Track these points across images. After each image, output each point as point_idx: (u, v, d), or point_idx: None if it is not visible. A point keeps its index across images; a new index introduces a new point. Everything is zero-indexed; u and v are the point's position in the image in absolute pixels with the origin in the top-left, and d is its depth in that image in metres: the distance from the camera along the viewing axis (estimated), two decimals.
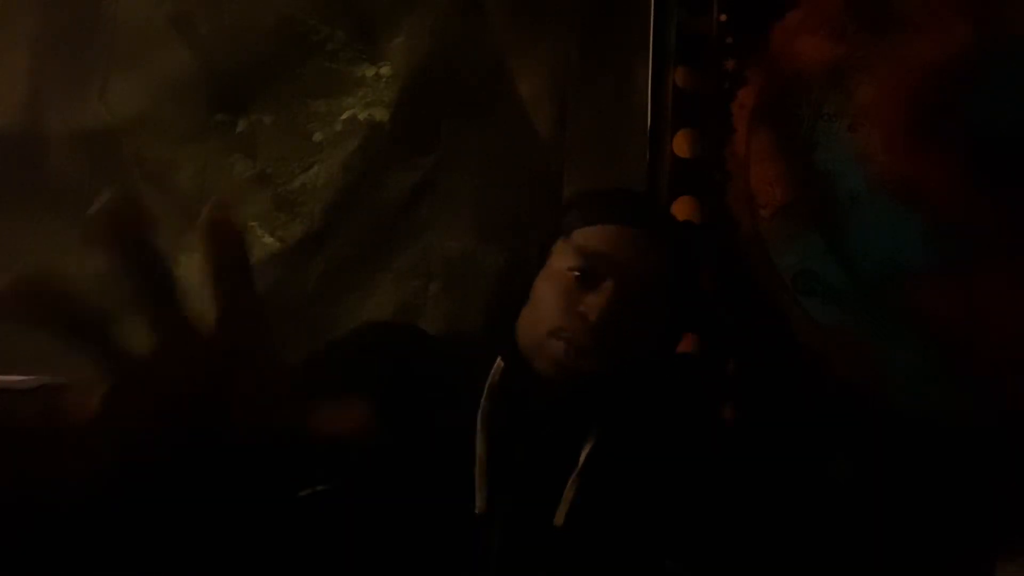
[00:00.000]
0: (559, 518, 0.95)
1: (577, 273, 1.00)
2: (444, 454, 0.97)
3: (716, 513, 0.97)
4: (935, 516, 1.40)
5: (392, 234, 1.61)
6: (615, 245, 1.01)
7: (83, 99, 1.64)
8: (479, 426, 0.98)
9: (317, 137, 1.63)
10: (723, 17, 1.52)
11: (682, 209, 1.51)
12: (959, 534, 1.39)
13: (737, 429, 1.46)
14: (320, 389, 0.97)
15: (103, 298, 1.56)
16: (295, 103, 1.63)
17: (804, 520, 1.04)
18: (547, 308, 1.00)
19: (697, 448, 1.04)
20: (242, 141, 1.63)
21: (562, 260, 1.03)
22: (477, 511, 0.95)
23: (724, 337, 1.49)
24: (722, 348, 1.49)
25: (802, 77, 1.50)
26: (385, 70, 1.62)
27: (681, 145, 1.52)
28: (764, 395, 1.48)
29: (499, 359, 1.03)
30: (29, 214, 1.62)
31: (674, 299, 1.05)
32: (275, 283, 1.62)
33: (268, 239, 1.62)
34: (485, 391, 1.00)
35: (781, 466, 1.14)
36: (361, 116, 1.62)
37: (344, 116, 1.62)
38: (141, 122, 1.64)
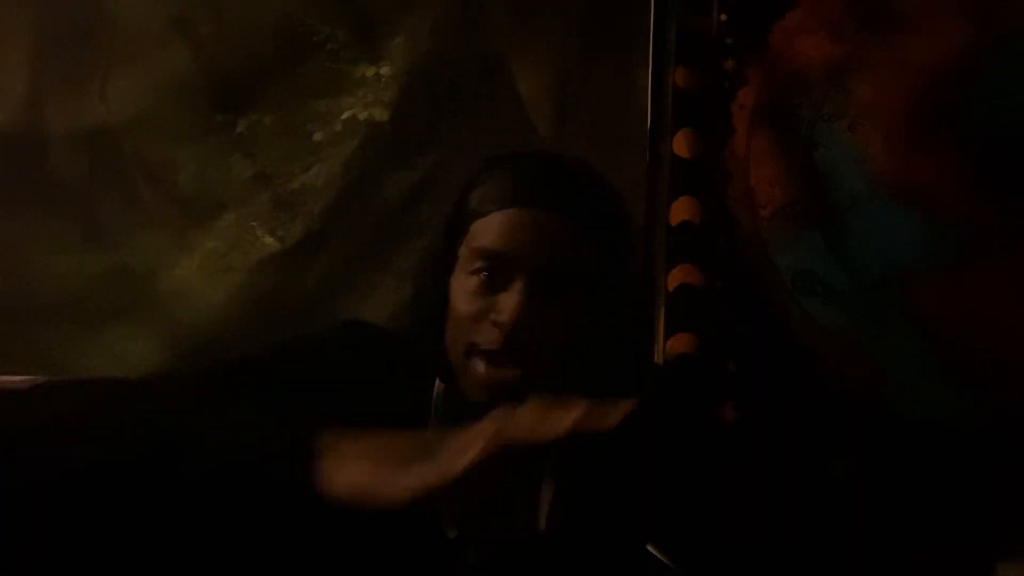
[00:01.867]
0: (541, 522, 0.90)
1: (483, 275, 0.90)
2: None
3: (716, 513, 0.97)
4: (935, 516, 1.40)
5: (392, 234, 1.61)
6: (521, 235, 0.89)
7: (83, 99, 1.64)
8: None
9: (317, 137, 1.63)
10: (723, 17, 1.52)
11: (682, 209, 1.52)
12: (959, 534, 1.39)
13: (737, 429, 1.46)
14: (285, 387, 0.95)
15: (103, 298, 1.55)
16: (295, 103, 1.63)
17: (804, 520, 1.03)
18: (461, 320, 0.90)
19: (695, 445, 1.00)
20: (242, 141, 1.63)
21: (465, 261, 0.92)
22: (451, 537, 0.89)
23: (724, 337, 1.49)
24: (722, 348, 1.49)
25: (802, 77, 1.50)
26: (385, 70, 1.62)
27: (681, 145, 1.52)
28: (764, 395, 1.48)
29: (437, 381, 0.94)
30: (29, 214, 1.62)
31: (604, 281, 0.93)
32: (275, 283, 1.62)
33: (268, 239, 1.62)
34: (431, 418, 0.93)
35: (781, 466, 1.14)
36: (361, 116, 1.62)
37: (344, 116, 1.62)
38: (141, 122, 1.64)
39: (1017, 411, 1.42)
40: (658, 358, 1.51)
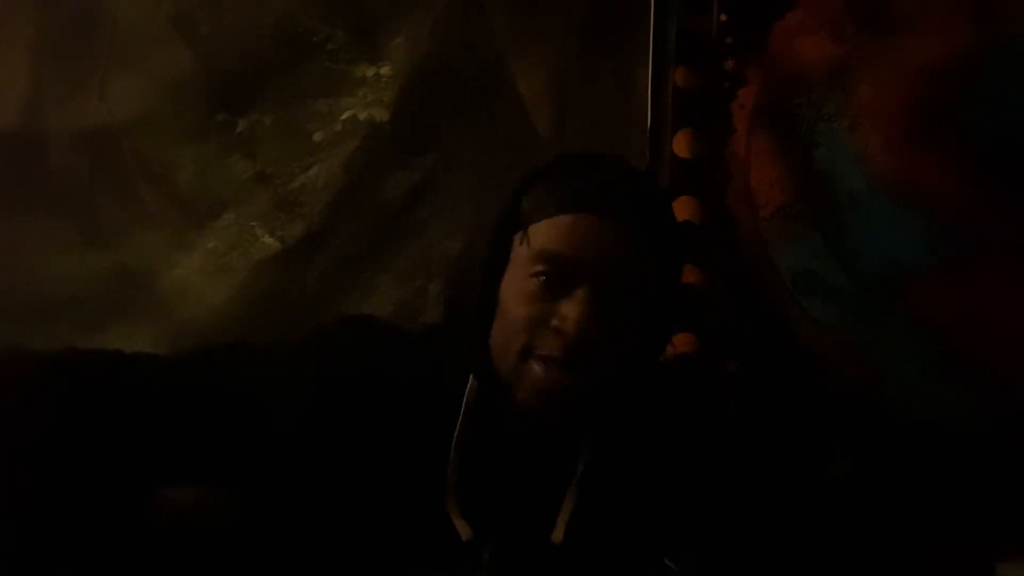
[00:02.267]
0: (558, 534, 0.90)
1: (543, 279, 0.89)
2: (419, 476, 0.91)
3: (717, 514, 0.97)
4: (935, 516, 1.40)
5: (392, 234, 1.60)
6: (582, 242, 0.88)
7: (83, 99, 1.64)
8: (452, 452, 0.91)
9: (317, 137, 1.63)
10: (723, 17, 1.52)
11: (682, 209, 1.51)
12: (959, 534, 1.39)
13: (737, 430, 1.46)
14: (291, 384, 0.97)
15: (103, 298, 1.56)
16: (295, 103, 1.63)
17: (804, 520, 1.03)
18: (515, 323, 0.89)
19: (699, 449, 1.00)
20: (242, 141, 1.63)
21: (524, 262, 0.90)
22: (464, 539, 0.89)
23: (724, 337, 1.49)
24: (722, 348, 1.49)
25: (802, 77, 1.50)
26: (385, 70, 1.62)
27: (681, 145, 1.52)
28: (764, 395, 1.48)
29: (472, 379, 0.93)
30: (29, 214, 1.62)
31: (659, 294, 0.93)
32: (275, 283, 1.62)
33: (268, 239, 1.62)
34: (460, 416, 0.92)
35: (781, 466, 1.13)
36: (361, 116, 1.62)
37: (344, 116, 1.62)
38: (141, 122, 1.64)
39: (1017, 411, 1.42)
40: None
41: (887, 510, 1.39)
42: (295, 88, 1.63)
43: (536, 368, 0.88)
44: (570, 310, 0.87)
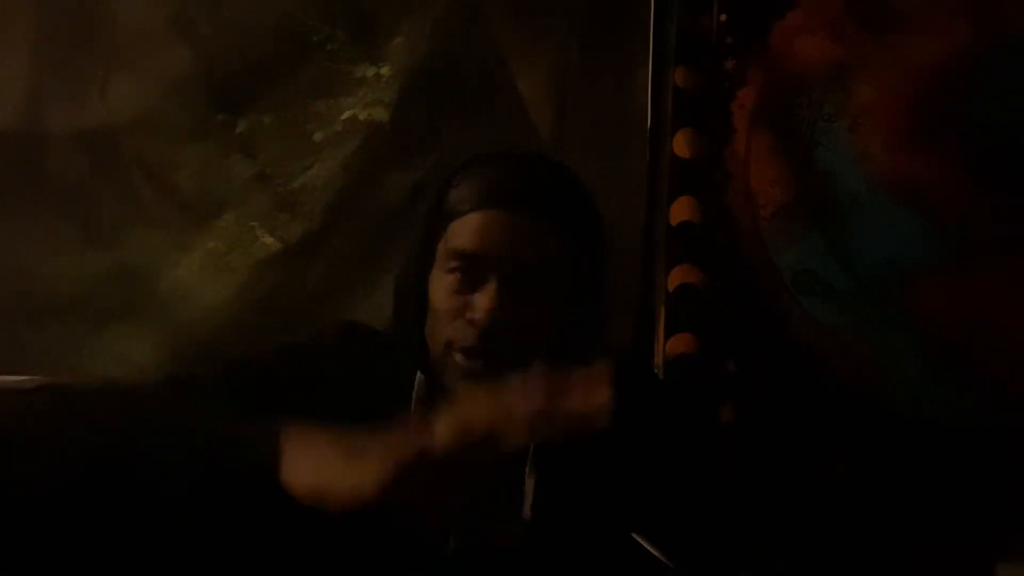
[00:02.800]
0: (526, 510, 0.93)
1: (457, 274, 0.94)
2: None
3: (716, 513, 0.97)
4: (935, 516, 1.40)
5: (392, 234, 1.61)
6: (494, 236, 0.93)
7: (83, 99, 1.64)
8: None
9: (317, 137, 1.63)
10: (723, 17, 1.51)
11: (682, 209, 1.52)
12: (959, 534, 1.39)
13: (737, 429, 1.46)
14: (273, 397, 0.97)
15: (103, 298, 1.55)
16: (295, 103, 1.63)
17: (804, 519, 1.03)
18: (438, 317, 0.95)
19: (678, 439, 1.01)
20: (242, 141, 1.64)
21: (443, 259, 0.96)
22: (432, 530, 0.92)
23: (724, 337, 1.49)
24: (722, 348, 1.49)
25: (802, 77, 1.50)
26: (385, 70, 1.62)
27: (681, 145, 1.52)
28: (764, 395, 1.48)
29: (419, 374, 0.98)
30: (29, 214, 1.62)
31: (577, 278, 0.97)
32: (275, 283, 1.62)
33: (268, 239, 1.62)
34: (411, 410, 0.96)
35: (781, 466, 1.13)
36: (361, 116, 1.62)
37: (344, 116, 1.62)
38: (141, 122, 1.64)
39: (1017, 411, 1.42)
40: (658, 358, 1.51)
41: (887, 510, 1.40)
42: (295, 88, 1.63)
43: (458, 358, 0.93)
44: (480, 300, 0.92)
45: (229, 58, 1.64)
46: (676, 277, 1.51)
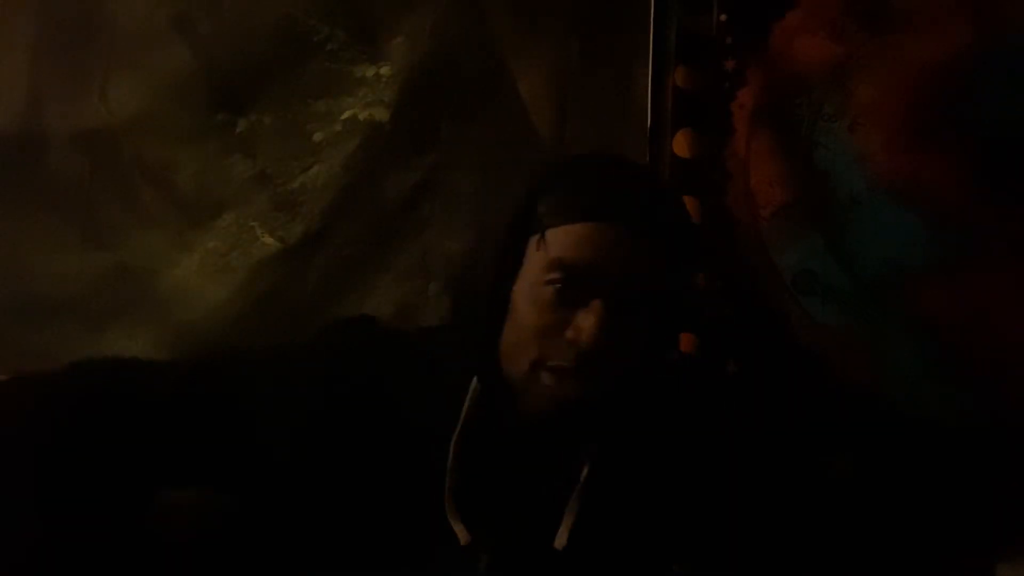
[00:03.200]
0: (561, 540, 0.89)
1: (558, 287, 0.87)
2: (418, 479, 0.90)
3: (720, 514, 0.96)
4: (935, 516, 1.40)
5: (392, 234, 1.61)
6: (599, 252, 0.86)
7: (83, 99, 1.64)
8: (451, 454, 0.90)
9: (317, 137, 1.63)
10: (723, 17, 1.52)
11: None
12: (959, 534, 1.39)
13: (737, 430, 1.46)
14: (291, 388, 0.97)
15: (103, 298, 1.56)
16: (295, 103, 1.63)
17: (804, 520, 1.03)
18: (527, 330, 0.88)
19: (702, 452, 0.99)
20: (242, 141, 1.63)
21: (539, 268, 0.88)
22: (462, 543, 0.88)
23: (724, 337, 1.49)
24: (722, 348, 1.49)
25: (802, 77, 1.50)
26: (385, 70, 1.62)
27: (681, 145, 1.52)
28: (764, 395, 1.48)
29: (475, 380, 0.92)
30: (29, 214, 1.62)
31: (672, 302, 0.93)
32: (275, 283, 1.62)
33: (268, 239, 1.62)
34: (461, 418, 0.91)
35: (781, 466, 1.13)
36: (361, 116, 1.62)
37: (344, 116, 1.62)
38: (141, 122, 1.64)
39: (1017, 411, 1.42)
40: None
41: (887, 510, 1.39)
42: (295, 88, 1.63)
43: (547, 378, 0.88)
44: (586, 321, 0.86)
45: (229, 58, 1.64)
46: None
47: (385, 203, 1.61)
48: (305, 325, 1.54)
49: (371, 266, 1.60)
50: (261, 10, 1.63)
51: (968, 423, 1.43)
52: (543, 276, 0.88)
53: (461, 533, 0.89)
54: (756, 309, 1.49)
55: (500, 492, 0.92)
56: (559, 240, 0.88)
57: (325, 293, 1.61)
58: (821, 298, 1.48)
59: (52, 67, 1.65)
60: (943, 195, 1.45)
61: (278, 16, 1.63)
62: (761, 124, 1.51)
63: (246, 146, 1.63)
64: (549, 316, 0.87)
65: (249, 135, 1.63)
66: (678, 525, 0.94)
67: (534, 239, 0.90)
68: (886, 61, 1.47)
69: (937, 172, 1.45)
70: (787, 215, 1.50)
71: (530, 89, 1.61)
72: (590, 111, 1.59)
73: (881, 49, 1.47)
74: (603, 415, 0.92)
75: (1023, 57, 1.44)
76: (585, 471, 0.91)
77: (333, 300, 1.60)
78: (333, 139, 1.62)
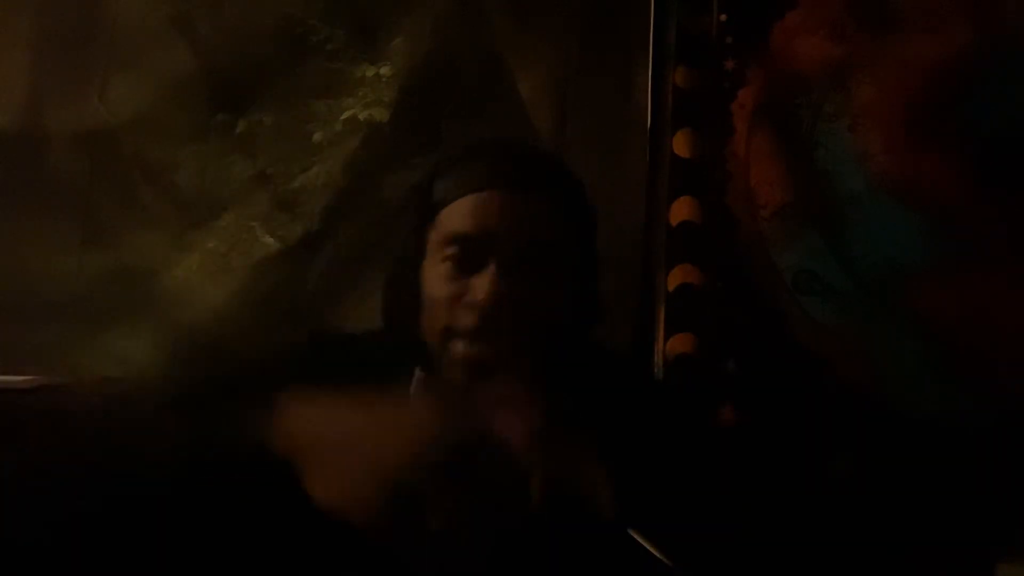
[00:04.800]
0: (535, 501, 0.86)
1: (455, 259, 0.91)
2: None
3: (716, 513, 0.97)
4: (935, 516, 1.40)
5: (392, 234, 1.60)
6: (487, 217, 0.91)
7: (83, 99, 1.65)
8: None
9: (317, 137, 1.63)
10: (723, 17, 1.52)
11: (682, 209, 1.51)
12: (959, 534, 1.39)
13: (737, 430, 1.46)
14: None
15: (103, 298, 1.56)
16: (295, 103, 1.63)
17: (804, 520, 1.03)
18: (435, 305, 0.92)
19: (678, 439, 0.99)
20: (242, 141, 1.64)
21: (437, 247, 0.93)
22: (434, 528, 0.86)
23: (724, 337, 1.49)
24: (722, 348, 1.49)
25: (802, 77, 1.50)
26: (385, 70, 1.63)
27: (681, 145, 1.52)
28: (764, 395, 1.48)
29: (417, 370, 0.94)
30: (29, 214, 1.62)
31: (573, 257, 0.96)
32: (275, 283, 1.62)
33: (268, 239, 1.62)
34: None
35: (781, 466, 1.13)
36: (361, 116, 1.62)
37: (344, 116, 1.62)
38: (141, 122, 1.64)
39: (1017, 411, 1.42)
40: (658, 358, 1.51)
41: (887, 510, 1.39)
42: (295, 88, 1.63)
43: (458, 345, 0.90)
44: (480, 283, 0.90)
45: (229, 58, 1.64)
46: (676, 277, 1.51)
47: (385, 203, 1.61)
48: (305, 325, 1.55)
49: (371, 266, 1.60)
50: (261, 10, 1.64)
51: (968, 423, 1.43)
52: (442, 254, 0.92)
53: (433, 519, 0.88)
54: (756, 309, 1.49)
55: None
56: (450, 216, 0.93)
57: (325, 293, 1.61)
58: (821, 298, 1.48)
59: (52, 67, 1.65)
60: (943, 195, 1.45)
61: (278, 16, 1.63)
62: (761, 124, 1.51)
63: (246, 146, 1.64)
64: (451, 287, 0.91)
65: (249, 135, 1.63)
66: (667, 512, 0.93)
67: (430, 225, 0.95)
68: (886, 61, 1.47)
69: (937, 172, 1.45)
70: (787, 215, 1.50)
71: (530, 89, 1.61)
72: (590, 111, 1.59)
73: (881, 49, 1.48)
74: (539, 379, 0.92)
75: (1023, 57, 1.44)
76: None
77: (333, 300, 1.60)
78: (333, 139, 1.62)
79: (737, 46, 1.52)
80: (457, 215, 0.92)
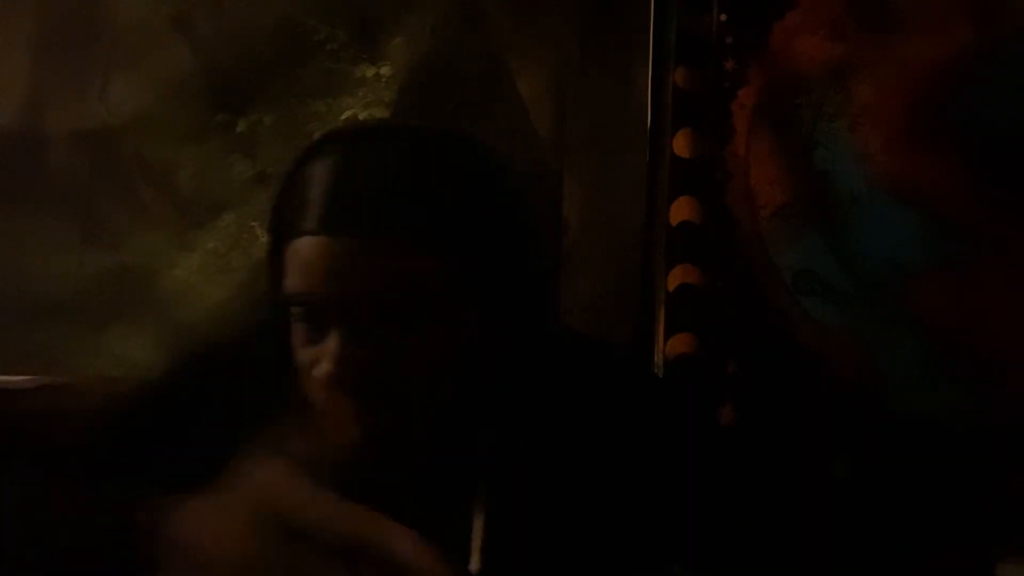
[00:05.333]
0: (474, 563, 0.76)
1: (303, 324, 0.73)
2: None
3: (716, 514, 0.97)
4: (935, 516, 1.40)
5: None
6: (316, 279, 0.70)
7: (83, 99, 1.65)
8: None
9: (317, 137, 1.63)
10: (723, 17, 1.51)
11: (682, 209, 1.51)
12: (959, 534, 1.39)
13: (737, 430, 1.46)
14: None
15: (103, 298, 1.56)
16: (295, 103, 1.63)
17: (803, 520, 1.03)
18: (300, 371, 0.74)
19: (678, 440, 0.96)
20: (242, 141, 1.64)
21: (287, 300, 0.74)
22: None
23: (724, 337, 1.49)
24: (722, 348, 1.49)
25: (802, 77, 1.50)
26: (385, 70, 1.63)
27: (681, 145, 1.52)
28: (764, 395, 1.48)
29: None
30: (29, 214, 1.62)
31: (475, 280, 0.74)
32: None
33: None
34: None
35: (781, 467, 1.13)
36: (361, 116, 1.62)
37: (344, 116, 1.62)
38: (141, 122, 1.64)
39: (1017, 411, 1.42)
40: (658, 358, 1.51)
41: (887, 510, 1.39)
42: (295, 88, 1.63)
43: (327, 424, 0.72)
44: (324, 355, 0.71)
45: (229, 58, 1.64)
46: (676, 277, 1.51)
47: None
48: None
49: None
50: (261, 10, 1.64)
51: (968, 423, 1.43)
52: (290, 310, 0.74)
53: None
54: (756, 309, 1.49)
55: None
56: (288, 264, 0.73)
57: None
58: (821, 298, 1.48)
59: (52, 67, 1.65)
60: (943, 195, 1.45)
61: (278, 16, 1.63)
62: (761, 124, 1.51)
63: (246, 146, 1.64)
64: (305, 352, 0.74)
65: (249, 135, 1.63)
66: (671, 520, 0.92)
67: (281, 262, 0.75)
68: (886, 61, 1.47)
69: (937, 172, 1.45)
70: (787, 215, 1.50)
71: (530, 89, 1.61)
72: (590, 111, 1.59)
73: (881, 49, 1.47)
74: (467, 422, 0.80)
75: (1023, 57, 1.44)
76: (481, 481, 0.80)
77: None
78: None
79: (737, 46, 1.52)
80: (293, 265, 0.73)
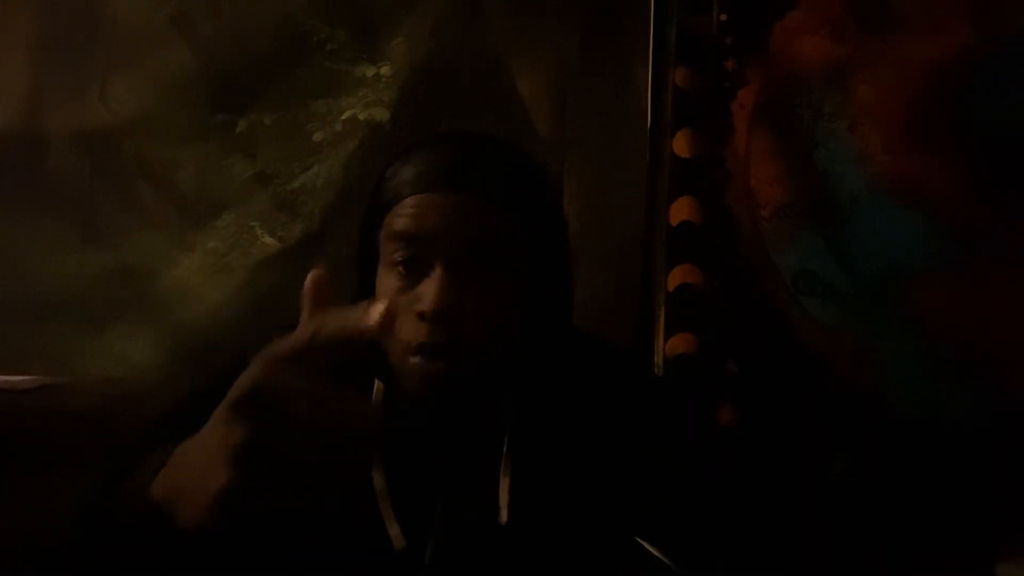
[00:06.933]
0: (503, 515, 0.87)
1: (402, 266, 0.87)
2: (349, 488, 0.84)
3: (717, 513, 0.97)
4: (935, 516, 1.40)
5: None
6: (435, 218, 0.86)
7: (83, 99, 1.64)
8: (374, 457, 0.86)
9: (317, 137, 1.63)
10: (723, 17, 1.52)
11: (682, 209, 1.52)
12: (959, 534, 1.39)
13: (737, 430, 1.46)
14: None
15: (103, 298, 1.56)
16: (295, 103, 1.63)
17: (804, 520, 1.03)
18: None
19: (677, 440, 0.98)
20: (242, 141, 1.63)
21: (387, 252, 0.89)
22: (396, 548, 0.86)
23: (724, 337, 1.49)
24: (722, 348, 1.49)
25: (802, 77, 1.50)
26: (385, 70, 1.62)
27: (681, 145, 1.52)
28: (764, 395, 1.48)
29: (376, 380, 0.91)
30: (29, 214, 1.62)
31: (535, 260, 0.91)
32: (275, 283, 1.62)
33: (268, 239, 1.62)
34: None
35: (781, 466, 1.13)
36: (361, 116, 1.62)
37: (344, 116, 1.62)
38: (141, 122, 1.64)
39: (1017, 411, 1.42)
40: (658, 358, 1.51)
41: (887, 510, 1.40)
42: (295, 88, 1.63)
43: (414, 360, 0.86)
44: (428, 288, 0.85)
45: (229, 58, 1.64)
46: (676, 277, 1.51)
47: None
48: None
49: None
50: (261, 10, 1.63)
51: (968, 423, 1.43)
52: (389, 257, 0.88)
53: (396, 538, 0.87)
54: (756, 309, 1.49)
55: (432, 482, 0.89)
56: (398, 217, 0.88)
57: None
58: (821, 298, 1.48)
59: (52, 67, 1.65)
60: (943, 195, 1.45)
61: (278, 16, 1.63)
62: (761, 124, 1.51)
63: (246, 146, 1.64)
64: (400, 294, 0.87)
65: (249, 135, 1.63)
66: (633, 494, 0.92)
67: (379, 228, 0.90)
68: (886, 61, 1.47)
69: (937, 172, 1.45)
70: (787, 215, 1.50)
71: (530, 89, 1.61)
72: (590, 111, 1.59)
73: (881, 49, 1.48)
74: (507, 383, 0.91)
75: (1023, 57, 1.44)
76: (507, 440, 0.89)
77: (333, 300, 1.60)
78: (333, 139, 1.62)
79: (737, 46, 1.52)
80: (405, 215, 0.88)
